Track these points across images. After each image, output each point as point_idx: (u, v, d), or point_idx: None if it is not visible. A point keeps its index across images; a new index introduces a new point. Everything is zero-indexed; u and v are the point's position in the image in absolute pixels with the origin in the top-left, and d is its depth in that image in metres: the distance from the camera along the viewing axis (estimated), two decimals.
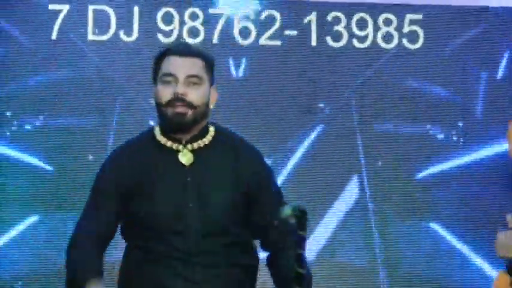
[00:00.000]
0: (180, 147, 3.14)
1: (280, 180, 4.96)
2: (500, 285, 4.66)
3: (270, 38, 5.27)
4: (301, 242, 2.80)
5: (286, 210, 2.82)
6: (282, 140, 5.17)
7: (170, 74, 3.07)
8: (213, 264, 3.11)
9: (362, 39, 5.32)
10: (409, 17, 5.34)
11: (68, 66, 5.18)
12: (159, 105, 3.11)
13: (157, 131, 3.18)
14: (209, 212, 3.12)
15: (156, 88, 3.12)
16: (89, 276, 3.01)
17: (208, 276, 3.10)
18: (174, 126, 3.10)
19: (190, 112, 3.07)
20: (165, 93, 3.08)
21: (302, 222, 2.82)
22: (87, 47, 5.21)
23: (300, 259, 2.80)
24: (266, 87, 5.24)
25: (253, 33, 5.26)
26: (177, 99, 3.05)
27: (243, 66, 5.23)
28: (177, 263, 3.08)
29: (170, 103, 3.06)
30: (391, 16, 5.33)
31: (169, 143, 3.14)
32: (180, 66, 3.08)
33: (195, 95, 3.06)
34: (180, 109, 3.06)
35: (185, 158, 3.14)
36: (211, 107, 3.16)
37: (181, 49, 3.15)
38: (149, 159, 3.16)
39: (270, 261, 3.19)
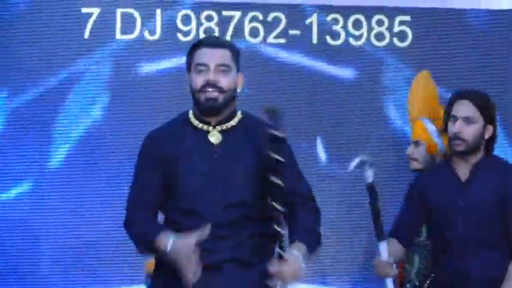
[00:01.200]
0: (210, 128, 3.29)
1: None
2: None
3: (276, 37, 5.47)
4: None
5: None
6: None
7: (203, 64, 3.24)
8: (236, 234, 3.22)
9: (357, 38, 5.51)
10: (398, 18, 5.54)
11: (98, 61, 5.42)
12: (193, 90, 3.26)
13: (191, 114, 3.34)
14: (233, 186, 3.24)
15: (190, 76, 3.28)
16: (157, 231, 3.17)
17: (232, 244, 3.21)
18: (207, 109, 3.25)
19: (221, 96, 3.23)
20: (199, 80, 3.24)
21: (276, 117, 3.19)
22: (116, 45, 5.43)
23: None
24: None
25: (262, 33, 5.46)
26: (209, 85, 3.22)
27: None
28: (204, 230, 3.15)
29: (203, 89, 3.23)
30: (383, 17, 5.53)
31: (200, 125, 3.29)
32: (211, 56, 3.25)
33: (224, 81, 3.23)
34: (212, 94, 3.23)
35: (214, 137, 3.29)
36: (238, 90, 3.31)
37: (211, 41, 3.34)
38: (182, 138, 3.31)
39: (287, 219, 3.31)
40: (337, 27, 5.51)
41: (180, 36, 5.43)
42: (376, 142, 5.43)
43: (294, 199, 3.29)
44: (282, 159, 3.20)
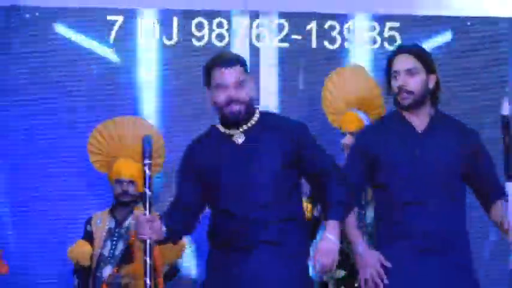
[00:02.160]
0: (234, 131, 3.64)
1: None
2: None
3: (280, 41, 5.82)
4: None
5: None
6: None
7: (222, 84, 3.58)
8: (265, 219, 3.53)
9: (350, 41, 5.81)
10: (388, 24, 5.90)
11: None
12: (218, 106, 3.61)
13: (218, 123, 3.69)
14: (258, 178, 3.55)
15: (212, 93, 3.62)
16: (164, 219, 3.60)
17: (261, 228, 3.52)
18: (233, 122, 3.61)
19: (243, 108, 3.58)
20: (222, 97, 3.58)
21: None
22: (137, 48, 5.83)
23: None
24: None
25: (268, 38, 5.81)
26: (232, 101, 3.57)
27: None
28: (235, 222, 3.55)
29: (227, 105, 3.57)
30: (374, 24, 5.88)
31: (226, 131, 3.65)
32: (229, 76, 3.57)
33: (243, 94, 3.59)
34: (235, 108, 3.57)
35: (238, 139, 3.63)
36: (252, 94, 3.65)
37: (226, 62, 3.60)
38: (213, 144, 3.65)
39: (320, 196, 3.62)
40: (334, 33, 5.87)
41: (194, 41, 5.81)
42: None
43: (322, 177, 3.58)
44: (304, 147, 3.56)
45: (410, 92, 3.70)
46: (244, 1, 5.76)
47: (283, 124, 3.65)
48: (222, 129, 3.67)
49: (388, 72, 3.80)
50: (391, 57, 3.81)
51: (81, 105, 5.78)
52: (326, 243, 3.47)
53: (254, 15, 5.84)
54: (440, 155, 3.67)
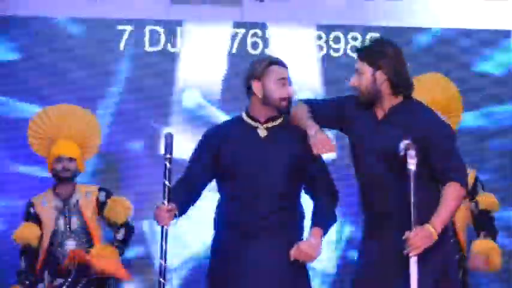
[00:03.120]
0: (259, 125, 3.90)
1: None
2: None
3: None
4: None
5: None
6: None
7: (283, 78, 3.86)
8: (270, 209, 3.80)
9: (336, 50, 6.27)
10: (370, 34, 6.26)
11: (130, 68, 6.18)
12: (276, 97, 3.83)
13: (244, 115, 3.93)
14: (274, 170, 3.81)
15: (269, 85, 3.83)
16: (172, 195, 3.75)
17: (266, 216, 3.78)
18: (284, 112, 3.86)
19: (289, 104, 3.89)
20: (283, 92, 3.86)
21: None
22: (144, 54, 6.22)
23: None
24: None
25: (261, 46, 6.22)
26: (289, 97, 3.87)
27: None
28: (245, 209, 3.80)
29: (285, 99, 3.86)
30: (357, 34, 6.30)
31: (252, 123, 3.91)
32: (286, 74, 3.89)
33: (291, 91, 3.91)
34: (286, 103, 3.88)
35: (262, 132, 3.90)
36: None
37: (282, 62, 3.90)
38: (236, 132, 3.89)
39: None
40: (321, 42, 6.30)
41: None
42: None
43: (318, 184, 3.90)
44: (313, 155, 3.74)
45: (360, 91, 3.85)
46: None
47: (298, 134, 3.83)
48: (248, 120, 3.92)
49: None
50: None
51: None
52: (310, 249, 3.79)
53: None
54: (389, 141, 3.75)
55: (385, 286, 3.74)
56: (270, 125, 3.91)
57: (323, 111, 3.93)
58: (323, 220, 3.85)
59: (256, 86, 3.87)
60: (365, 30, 6.34)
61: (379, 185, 3.78)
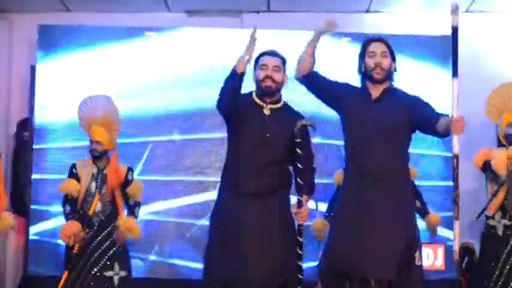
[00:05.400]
0: (264, 105, 4.57)
1: None
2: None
3: None
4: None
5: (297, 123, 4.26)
6: None
7: (265, 64, 4.53)
8: (267, 173, 4.45)
9: None
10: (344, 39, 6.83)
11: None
12: (258, 80, 4.53)
13: (253, 94, 4.59)
14: (273, 143, 4.46)
15: (256, 71, 4.52)
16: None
17: (263, 177, 4.42)
18: (265, 92, 4.51)
19: (273, 85, 4.52)
20: (262, 74, 4.53)
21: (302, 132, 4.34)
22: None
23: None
24: None
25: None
26: (268, 77, 4.51)
27: None
28: (248, 168, 4.44)
29: (264, 79, 4.52)
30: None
31: (259, 101, 4.58)
32: (270, 61, 4.53)
33: (277, 76, 4.53)
34: (269, 83, 4.53)
35: (266, 110, 4.58)
36: (284, 83, 4.57)
37: (270, 52, 4.56)
38: (246, 107, 4.51)
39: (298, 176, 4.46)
40: None
41: None
42: None
43: (304, 161, 4.50)
44: (301, 140, 4.41)
45: (383, 69, 4.47)
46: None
47: (295, 117, 4.56)
48: (256, 99, 4.61)
49: (362, 54, 4.54)
50: (367, 43, 4.57)
51: None
52: (305, 211, 4.50)
53: None
54: (387, 115, 4.39)
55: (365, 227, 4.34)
56: (273, 106, 4.57)
57: (327, 80, 4.59)
58: (309, 190, 4.55)
59: (254, 74, 4.61)
60: None
61: (369, 147, 4.35)
